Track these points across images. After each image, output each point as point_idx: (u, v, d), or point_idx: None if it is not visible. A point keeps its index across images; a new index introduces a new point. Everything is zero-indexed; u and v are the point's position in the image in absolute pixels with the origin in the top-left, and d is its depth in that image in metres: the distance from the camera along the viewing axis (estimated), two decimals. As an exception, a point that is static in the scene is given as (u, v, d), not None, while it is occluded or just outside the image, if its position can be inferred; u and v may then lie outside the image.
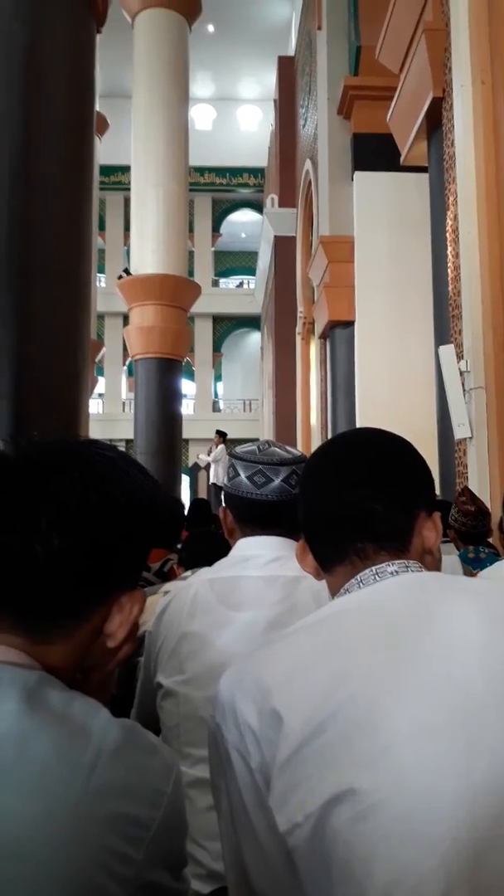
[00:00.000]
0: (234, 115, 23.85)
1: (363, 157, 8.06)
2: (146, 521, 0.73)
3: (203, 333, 23.34)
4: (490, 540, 3.22)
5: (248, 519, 1.31)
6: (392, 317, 7.70)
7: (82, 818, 0.57)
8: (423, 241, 5.95)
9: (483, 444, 4.44)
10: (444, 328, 5.07)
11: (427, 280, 5.66)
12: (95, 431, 11.13)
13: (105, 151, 14.39)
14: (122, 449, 0.83)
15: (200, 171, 21.98)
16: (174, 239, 10.53)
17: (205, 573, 1.32)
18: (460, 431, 4.57)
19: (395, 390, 7.44)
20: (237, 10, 17.89)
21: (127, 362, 20.83)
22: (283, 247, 13.98)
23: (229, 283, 25.12)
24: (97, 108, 5.46)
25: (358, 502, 0.80)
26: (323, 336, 9.56)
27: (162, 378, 10.33)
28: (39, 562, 0.65)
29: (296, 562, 1.22)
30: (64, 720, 0.61)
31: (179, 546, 2.60)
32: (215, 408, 23.97)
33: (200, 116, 22.99)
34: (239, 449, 1.34)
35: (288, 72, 14.50)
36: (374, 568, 0.78)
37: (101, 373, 21.32)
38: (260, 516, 1.29)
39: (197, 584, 1.28)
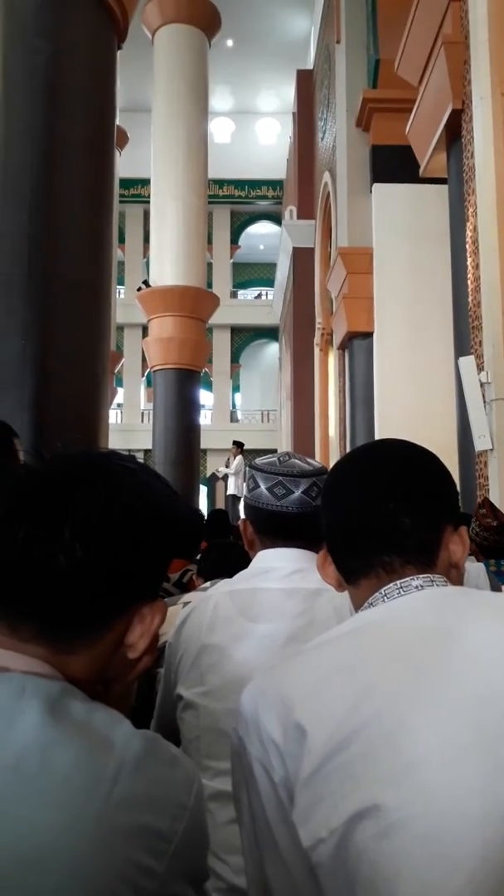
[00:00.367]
0: (253, 128, 24.02)
1: (382, 169, 8.08)
2: (167, 532, 0.73)
3: (221, 344, 23.42)
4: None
5: (268, 531, 1.30)
6: (411, 328, 7.68)
7: (105, 830, 0.57)
8: (442, 252, 5.94)
9: (504, 455, 4.41)
10: (464, 339, 5.04)
11: (446, 291, 5.64)
12: (114, 442, 11.19)
13: (125, 164, 14.54)
14: (141, 459, 0.83)
15: (219, 183, 22.13)
16: (193, 251, 10.60)
17: (225, 585, 1.32)
18: (481, 443, 4.53)
19: (414, 402, 7.41)
20: (256, 25, 18.05)
21: (146, 373, 20.94)
22: (302, 258, 14.02)
23: (248, 294, 25.21)
24: (117, 122, 5.52)
25: (386, 515, 0.79)
26: (341, 347, 9.55)
27: (180, 389, 10.38)
28: (62, 573, 0.65)
29: (316, 574, 1.22)
30: (86, 731, 0.61)
31: (199, 557, 2.60)
32: (233, 418, 24.01)
33: (219, 129, 23.17)
34: (259, 460, 1.34)
35: (306, 85, 14.60)
36: (398, 582, 0.78)
37: (120, 384, 21.45)
38: (280, 528, 1.28)
39: (217, 595, 1.28)
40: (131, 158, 15.86)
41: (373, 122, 8.31)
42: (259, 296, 24.74)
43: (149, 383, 18.27)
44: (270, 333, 23.18)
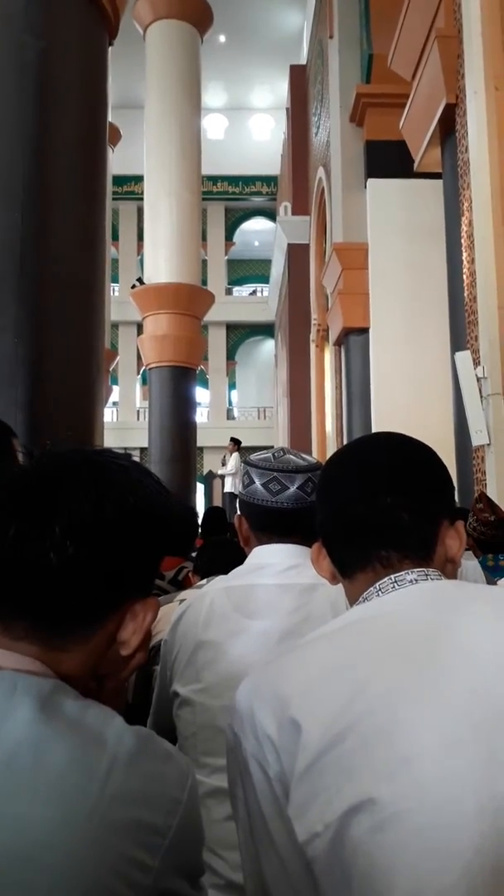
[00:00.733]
0: (247, 124, 23.98)
1: (376, 164, 8.07)
2: (159, 529, 0.73)
3: (217, 341, 23.41)
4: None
5: (263, 527, 1.30)
6: (407, 323, 7.68)
7: (98, 825, 0.57)
8: (437, 247, 5.93)
9: (501, 450, 4.41)
10: (460, 334, 5.04)
11: (442, 286, 5.64)
12: (110, 440, 11.18)
13: (118, 161, 14.50)
14: (137, 457, 0.83)
15: (213, 179, 22.10)
16: (187, 248, 10.58)
17: (220, 581, 1.32)
18: (478, 438, 4.54)
19: (410, 397, 7.42)
20: (248, 20, 18.01)
21: (141, 371, 20.92)
22: (297, 254, 14.01)
23: (243, 291, 25.20)
24: (110, 118, 5.50)
25: (384, 509, 0.79)
26: (337, 343, 9.55)
27: (176, 386, 10.37)
28: (54, 570, 0.65)
29: (312, 570, 1.22)
30: (79, 728, 0.61)
31: (194, 554, 2.60)
32: (229, 416, 24.02)
33: (213, 126, 23.14)
34: (254, 456, 1.33)
35: (300, 80, 14.57)
36: (393, 576, 0.78)
37: (115, 382, 21.43)
38: (275, 524, 1.28)
39: (212, 592, 1.28)
40: (124, 155, 15.82)
41: (366, 118, 8.30)
42: (254, 292, 24.74)
43: (144, 381, 18.26)
44: (266, 330, 23.18)
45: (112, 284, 17.29)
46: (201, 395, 18.62)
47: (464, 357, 4.72)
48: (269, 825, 0.67)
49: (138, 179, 14.09)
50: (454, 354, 4.94)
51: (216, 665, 1.20)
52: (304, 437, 13.15)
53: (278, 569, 1.26)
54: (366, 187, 8.26)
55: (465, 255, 4.98)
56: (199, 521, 4.29)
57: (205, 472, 17.17)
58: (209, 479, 14.47)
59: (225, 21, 14.12)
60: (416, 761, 0.62)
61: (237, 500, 1.39)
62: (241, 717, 0.71)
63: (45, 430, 3.27)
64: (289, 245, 14.37)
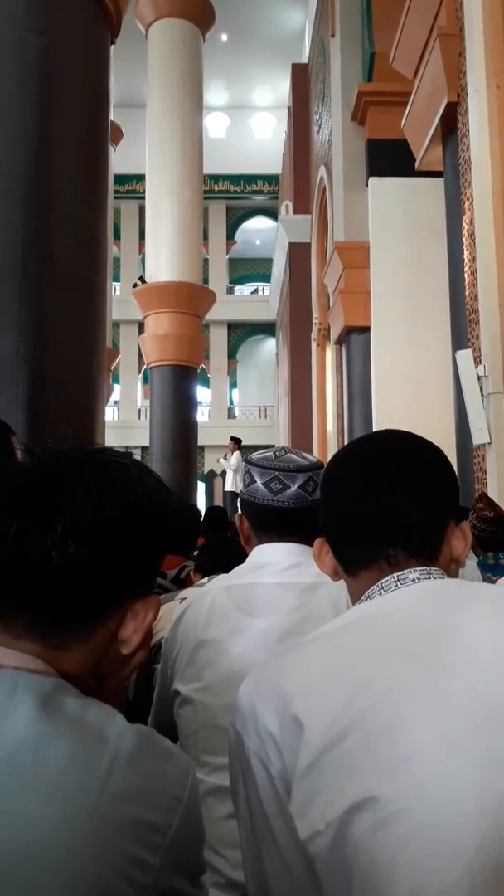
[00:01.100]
0: (248, 123, 23.96)
1: (378, 163, 8.06)
2: (160, 527, 0.73)
3: (218, 340, 23.41)
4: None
5: (264, 526, 1.30)
6: (408, 322, 7.68)
7: (99, 823, 0.57)
8: (439, 245, 5.93)
9: (502, 448, 4.41)
10: (462, 333, 5.04)
11: (443, 285, 5.64)
12: (111, 439, 11.18)
13: (119, 160, 14.51)
14: (138, 456, 0.83)
15: (215, 178, 22.09)
16: (189, 246, 10.58)
17: (221, 580, 1.32)
18: (479, 437, 4.54)
19: (411, 395, 7.41)
20: (250, 19, 17.99)
21: (142, 370, 20.92)
22: (298, 253, 14.00)
23: (244, 290, 25.18)
24: (111, 117, 5.50)
25: (393, 508, 0.78)
26: (338, 342, 9.55)
27: (177, 385, 10.38)
28: (55, 568, 0.65)
29: (313, 568, 1.22)
30: (80, 726, 0.61)
31: (196, 553, 2.60)
32: (231, 414, 24.01)
33: (214, 124, 23.12)
34: (255, 455, 1.33)
35: (302, 79, 14.55)
36: (395, 575, 0.78)
37: (116, 380, 21.43)
38: (276, 523, 1.28)
39: (213, 591, 1.28)
40: (126, 154, 15.82)
41: (368, 116, 8.29)
42: (255, 291, 24.72)
43: (146, 380, 18.26)
44: (267, 329, 23.16)
45: (114, 283, 17.30)
46: (202, 393, 18.60)
47: (465, 355, 4.71)
48: (270, 823, 0.67)
49: (140, 178, 14.09)
50: (455, 353, 4.93)
51: (217, 664, 1.20)
52: (306, 435, 13.14)
53: (279, 567, 1.26)
54: (367, 186, 8.26)
55: (466, 253, 4.97)
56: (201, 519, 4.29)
57: (206, 470, 17.18)
58: (210, 477, 14.48)
59: (227, 20, 14.10)
60: (417, 759, 0.62)
61: (238, 499, 1.39)
62: (243, 715, 0.71)
63: (47, 428, 3.27)
64: (290, 244, 14.36)
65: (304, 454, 1.33)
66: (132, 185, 20.85)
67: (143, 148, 11.07)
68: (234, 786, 0.74)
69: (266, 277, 22.07)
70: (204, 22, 11.04)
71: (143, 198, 11.46)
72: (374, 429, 7.57)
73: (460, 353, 4.79)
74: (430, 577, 0.77)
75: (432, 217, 6.81)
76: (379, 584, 0.78)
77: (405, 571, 0.78)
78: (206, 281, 13.55)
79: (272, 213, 21.71)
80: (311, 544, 1.20)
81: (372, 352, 8.04)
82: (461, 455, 5.07)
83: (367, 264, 8.10)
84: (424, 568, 0.78)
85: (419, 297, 7.54)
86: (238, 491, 1.40)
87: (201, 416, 14.87)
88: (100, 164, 3.94)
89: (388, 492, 0.79)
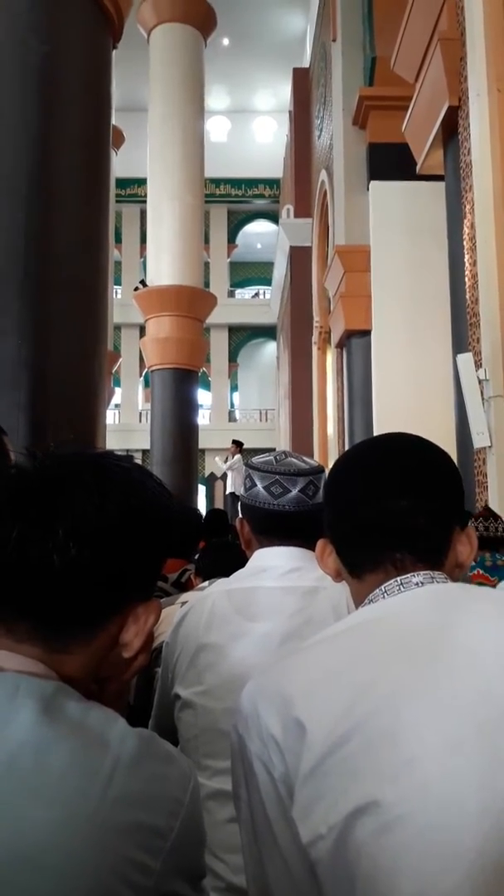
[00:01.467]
0: (250, 127, 24.01)
1: (379, 167, 8.07)
2: (161, 531, 0.73)
3: (219, 344, 23.42)
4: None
5: (265, 530, 1.30)
6: (409, 326, 7.68)
7: (100, 827, 0.57)
8: (439, 249, 5.93)
9: (503, 452, 4.40)
10: (462, 336, 5.04)
11: (444, 289, 5.64)
12: (112, 442, 11.18)
13: (121, 164, 14.54)
14: (139, 459, 0.83)
15: (216, 182, 22.13)
16: (190, 250, 10.60)
17: (222, 584, 1.32)
18: (479, 440, 4.53)
19: (412, 399, 7.41)
20: (252, 23, 18.04)
21: (143, 373, 20.94)
22: (299, 257, 14.01)
23: (245, 293, 25.20)
24: (113, 121, 5.51)
25: (401, 513, 0.78)
26: (339, 345, 9.54)
27: (178, 388, 10.38)
28: (56, 572, 0.65)
29: (313, 572, 1.22)
30: (81, 730, 0.61)
31: (197, 556, 2.60)
32: (231, 418, 24.01)
33: (216, 128, 23.17)
34: (256, 459, 1.34)
35: (303, 83, 14.58)
36: (399, 578, 0.77)
37: (117, 384, 21.45)
38: (277, 527, 1.28)
39: (214, 594, 1.28)
40: (127, 158, 15.85)
41: (369, 120, 8.30)
42: (256, 295, 24.73)
43: (146, 383, 18.25)
44: (268, 332, 23.18)
45: (115, 287, 17.31)
46: (203, 397, 18.60)
47: (465, 359, 4.71)
48: (272, 827, 0.67)
49: (141, 182, 14.10)
50: (456, 357, 4.93)
51: (218, 667, 1.20)
52: (306, 439, 13.14)
53: (280, 571, 1.26)
54: (368, 190, 8.27)
55: (467, 257, 4.98)
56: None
57: (206, 474, 17.18)
58: (211, 481, 14.48)
59: (228, 24, 14.13)
60: (419, 763, 0.62)
61: (239, 502, 1.39)
62: (245, 719, 0.71)
63: (48, 431, 3.27)
64: (291, 247, 14.37)
65: (305, 458, 1.34)
66: (133, 188, 20.88)
67: (144, 152, 11.09)
68: (236, 789, 0.74)
69: (267, 281, 22.09)
70: (206, 26, 11.06)
71: (145, 201, 11.48)
72: (375, 433, 7.58)
73: (461, 357, 4.79)
74: (433, 581, 0.77)
75: (433, 221, 6.82)
76: (382, 587, 0.78)
77: (409, 575, 0.77)
78: (207, 284, 13.55)
79: (273, 217, 21.73)
80: (311, 548, 1.21)
81: (373, 355, 8.04)
82: (462, 458, 5.07)
83: (367, 268, 8.11)
84: (429, 572, 0.78)
85: (420, 300, 7.54)
86: (239, 494, 1.40)
87: (202, 419, 14.86)
88: (101, 167, 3.95)
89: (396, 495, 0.79)
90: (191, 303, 10.49)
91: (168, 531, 0.74)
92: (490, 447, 4.48)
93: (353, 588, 0.83)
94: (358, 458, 0.86)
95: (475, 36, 4.70)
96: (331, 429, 11.33)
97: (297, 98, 14.78)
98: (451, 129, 5.25)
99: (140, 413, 22.76)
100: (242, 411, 24.91)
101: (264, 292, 23.61)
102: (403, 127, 6.12)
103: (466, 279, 4.99)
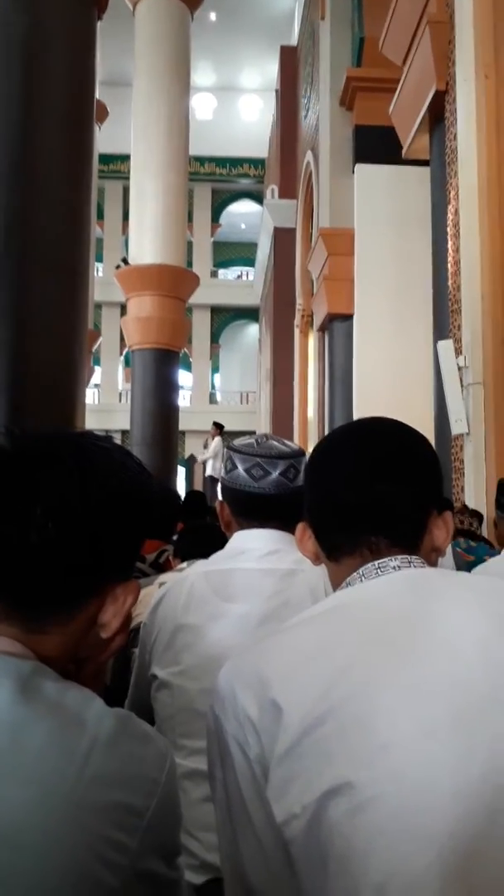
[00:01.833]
0: (236, 105, 23.73)
1: (364, 150, 8.03)
2: (140, 511, 0.73)
3: (201, 324, 23.28)
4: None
5: (245, 512, 1.30)
6: (391, 311, 7.69)
7: (76, 807, 0.58)
8: (423, 235, 5.93)
9: (480, 439, 4.44)
10: (444, 323, 5.06)
11: (427, 274, 5.65)
12: (91, 422, 11.11)
13: (104, 139, 14.30)
14: (118, 440, 0.83)
15: (200, 160, 21.88)
16: (173, 229, 10.48)
17: (201, 565, 1.32)
18: (457, 427, 4.57)
19: (392, 384, 7.43)
20: (240, -1, 17.78)
21: (124, 353, 20.78)
22: (283, 238, 13.93)
23: (228, 274, 25.05)
24: (97, 95, 5.42)
25: (379, 496, 0.79)
26: (321, 329, 9.54)
27: (159, 369, 10.30)
28: (35, 552, 0.65)
29: (292, 555, 1.23)
30: (58, 710, 0.62)
31: (175, 537, 2.60)
32: (212, 399, 23.95)
33: (201, 105, 22.87)
34: (237, 442, 1.34)
35: (290, 62, 14.42)
36: (376, 562, 0.78)
37: (97, 363, 21.27)
38: (257, 509, 1.28)
39: (192, 576, 1.28)
40: (111, 134, 15.59)
41: (356, 102, 8.24)
42: (240, 276, 24.60)
43: (127, 363, 18.13)
44: (251, 314, 23.08)
45: (96, 264, 17.11)
46: (184, 378, 18.53)
47: (446, 346, 4.73)
48: (247, 806, 0.68)
49: (125, 158, 13.91)
50: (437, 343, 4.95)
51: (195, 648, 1.21)
52: (287, 422, 13.16)
53: (259, 554, 1.27)
54: (353, 172, 8.23)
55: (450, 243, 4.98)
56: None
57: (186, 455, 17.14)
58: (190, 462, 14.45)
59: (215, -1, 13.93)
60: (393, 747, 0.63)
61: (218, 485, 1.39)
62: (222, 699, 0.72)
63: (27, 409, 3.25)
64: (275, 229, 14.29)
65: (286, 441, 1.34)
66: (117, 164, 20.56)
67: (128, 127, 10.91)
68: (212, 769, 0.75)
69: (250, 262, 21.97)
70: (193, 0, 10.87)
71: (128, 178, 11.31)
72: (355, 416, 7.61)
73: (441, 344, 4.81)
74: (410, 566, 0.78)
75: (418, 206, 6.80)
76: (360, 571, 0.78)
77: (386, 559, 0.78)
78: (189, 264, 13.44)
79: (258, 197, 21.56)
80: (291, 531, 1.21)
81: (354, 340, 8.05)
82: (440, 445, 5.10)
83: (351, 252, 8.09)
84: (405, 556, 0.78)
85: (403, 285, 7.55)
86: (219, 477, 1.41)
87: (183, 400, 14.78)
88: (85, 143, 3.89)
89: (373, 479, 0.79)
90: (173, 282, 10.40)
91: (148, 512, 0.74)
92: (467, 434, 4.52)
93: (331, 571, 0.84)
94: (335, 443, 0.87)
95: (464, 20, 4.67)
96: (311, 412, 11.35)
97: (283, 77, 14.62)
98: (438, 114, 5.23)
99: (120, 393, 22.61)
100: (223, 393, 24.85)
101: (247, 273, 23.49)
102: (390, 110, 6.08)
103: (449, 266, 5.00)
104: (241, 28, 19.11)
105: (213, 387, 24.65)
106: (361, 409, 7.69)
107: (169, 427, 10.40)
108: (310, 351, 11.86)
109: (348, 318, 8.25)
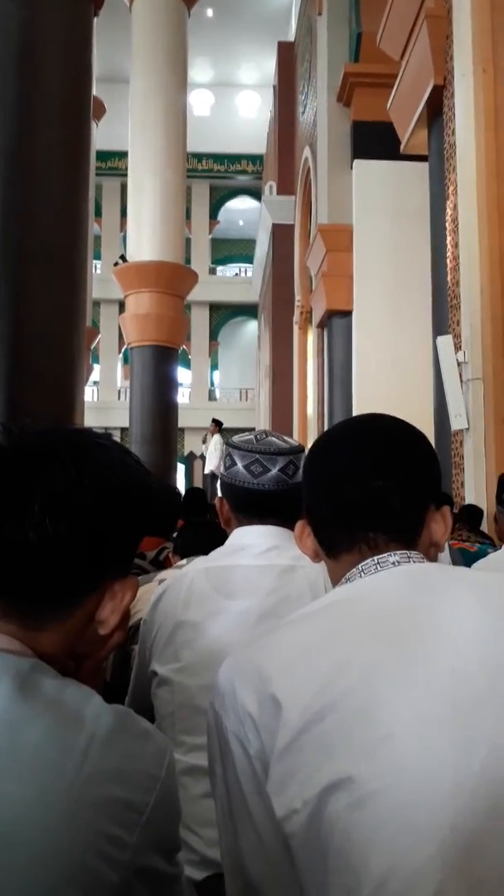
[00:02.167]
0: (233, 101, 23.68)
1: (363, 145, 8.02)
2: (139, 508, 0.73)
3: (200, 321, 23.26)
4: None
5: (244, 508, 1.31)
6: (390, 307, 7.68)
7: (75, 803, 0.58)
8: (422, 230, 5.92)
9: (480, 435, 4.45)
10: (443, 318, 5.06)
11: (426, 270, 5.64)
12: (90, 419, 11.10)
13: (102, 136, 14.28)
14: (117, 437, 0.83)
15: (198, 157, 21.83)
16: (171, 226, 10.46)
17: (200, 562, 1.32)
18: (457, 422, 4.57)
19: (392, 380, 7.43)
20: (237, -5, 17.72)
21: (122, 350, 20.76)
22: (281, 235, 13.92)
23: (226, 270, 25.01)
24: (94, 92, 5.41)
25: (376, 493, 0.79)
26: (320, 325, 9.53)
27: (157, 366, 10.29)
28: (32, 548, 0.65)
29: (291, 551, 1.23)
30: (57, 706, 0.62)
31: (175, 535, 2.60)
32: (211, 396, 23.93)
33: (199, 102, 22.81)
34: (236, 438, 1.34)
35: (288, 57, 14.39)
36: (375, 558, 0.78)
37: (96, 360, 21.25)
38: (256, 506, 1.28)
39: (192, 572, 1.28)
40: (109, 130, 15.56)
41: (354, 97, 8.23)
42: (238, 272, 24.56)
43: (126, 360, 18.12)
44: (249, 311, 23.05)
45: (94, 261, 17.09)
46: (183, 375, 18.51)
47: (445, 341, 4.73)
48: (247, 802, 0.68)
49: (122, 155, 13.90)
50: (436, 338, 4.95)
51: (195, 645, 1.21)
52: (286, 418, 13.16)
53: (258, 550, 1.27)
54: (352, 168, 8.21)
55: (449, 238, 4.98)
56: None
57: (185, 452, 17.15)
58: (190, 459, 14.46)
59: (212, -6, 13.89)
60: (394, 741, 0.63)
61: (218, 481, 1.39)
62: (222, 695, 0.72)
63: (26, 407, 3.25)
64: (273, 225, 14.28)
65: (285, 438, 1.34)
66: (114, 161, 20.52)
67: (125, 124, 10.89)
68: (212, 765, 0.75)
69: (249, 258, 21.94)
70: (189, -4, 10.83)
71: (126, 175, 11.28)
72: (355, 413, 7.60)
73: (441, 339, 4.81)
74: (409, 561, 0.78)
75: (416, 201, 6.80)
76: (359, 566, 0.78)
77: (385, 555, 0.78)
78: (188, 261, 13.42)
79: (256, 194, 21.52)
80: (290, 527, 1.21)
81: (353, 336, 8.05)
82: (439, 440, 5.11)
83: (350, 248, 8.08)
84: (405, 551, 0.79)
85: (401, 281, 7.54)
86: (218, 473, 1.41)
87: (182, 397, 14.77)
88: (82, 139, 3.88)
89: (371, 475, 0.79)
90: (171, 279, 10.38)
91: (146, 509, 0.74)
92: (467, 429, 4.52)
93: (331, 568, 0.84)
94: (333, 439, 0.87)
95: (461, 14, 4.66)
96: (311, 408, 11.35)
97: (281, 73, 14.59)
98: (436, 109, 5.22)
99: (119, 390, 22.59)
100: (223, 390, 24.83)
101: (246, 270, 23.44)
102: (388, 105, 6.07)
103: (448, 261, 4.99)
104: (238, 24, 19.06)
105: (212, 384, 24.63)
106: (361, 405, 7.69)
107: (168, 424, 10.40)
108: (309, 347, 11.85)
109: (347, 314, 8.25)
